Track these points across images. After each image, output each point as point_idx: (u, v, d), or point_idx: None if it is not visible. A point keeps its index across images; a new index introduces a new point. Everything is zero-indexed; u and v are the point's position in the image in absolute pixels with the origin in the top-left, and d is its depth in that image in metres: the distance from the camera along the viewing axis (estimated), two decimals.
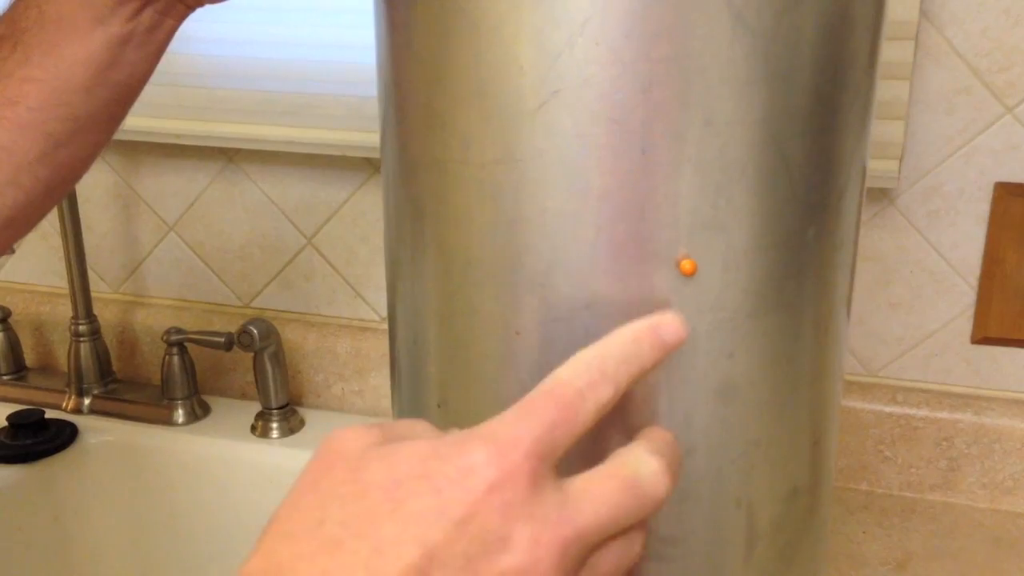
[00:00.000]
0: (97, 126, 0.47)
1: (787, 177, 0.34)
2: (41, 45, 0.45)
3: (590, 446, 0.32)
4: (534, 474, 0.29)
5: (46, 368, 1.02)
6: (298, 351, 0.93)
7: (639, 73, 0.32)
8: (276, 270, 0.95)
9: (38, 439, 0.88)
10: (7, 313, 0.97)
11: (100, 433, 0.91)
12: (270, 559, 0.29)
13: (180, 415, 0.91)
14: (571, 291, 0.34)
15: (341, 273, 0.93)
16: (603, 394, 0.31)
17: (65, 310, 0.95)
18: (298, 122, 0.87)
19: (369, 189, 0.89)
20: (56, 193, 0.49)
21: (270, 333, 0.87)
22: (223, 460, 0.88)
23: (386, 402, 0.92)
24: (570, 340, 0.34)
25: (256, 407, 0.90)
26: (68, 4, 0.44)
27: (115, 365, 0.96)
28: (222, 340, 0.87)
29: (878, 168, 0.75)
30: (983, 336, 0.79)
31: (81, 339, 0.92)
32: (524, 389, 0.31)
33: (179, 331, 0.89)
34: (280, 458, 0.87)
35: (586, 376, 0.31)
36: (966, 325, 0.79)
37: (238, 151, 0.92)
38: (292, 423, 0.90)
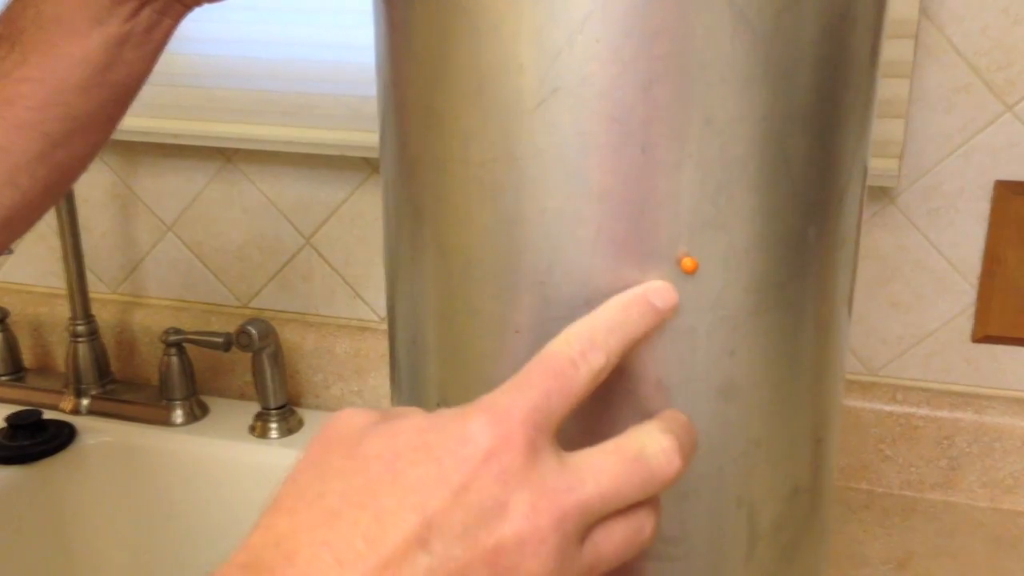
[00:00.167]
0: (95, 126, 0.47)
1: (788, 175, 0.34)
2: (39, 45, 0.45)
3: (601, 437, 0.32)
4: (531, 442, 0.30)
5: (44, 369, 1.02)
6: (297, 351, 0.93)
7: (639, 71, 0.32)
8: (274, 270, 0.95)
9: (36, 440, 0.88)
10: (5, 314, 0.97)
11: (98, 434, 0.91)
12: (270, 532, 0.29)
13: (178, 416, 0.91)
14: (571, 290, 0.34)
15: (340, 273, 0.93)
16: (595, 361, 0.31)
17: (63, 311, 0.95)
18: (296, 122, 0.86)
19: (368, 189, 0.89)
20: (54, 193, 0.49)
21: (268, 333, 0.87)
22: (222, 461, 0.88)
23: (385, 402, 0.91)
24: None
25: (255, 407, 0.90)
26: (66, 4, 0.44)
27: (113, 366, 0.96)
28: (220, 340, 0.87)
29: (878, 167, 0.75)
30: (984, 335, 0.79)
31: (79, 340, 0.92)
32: None
33: (177, 331, 0.89)
34: (279, 458, 0.87)
35: (577, 345, 0.31)
36: (966, 324, 0.79)
37: (236, 151, 0.92)
38: (291, 423, 0.90)
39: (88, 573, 0.92)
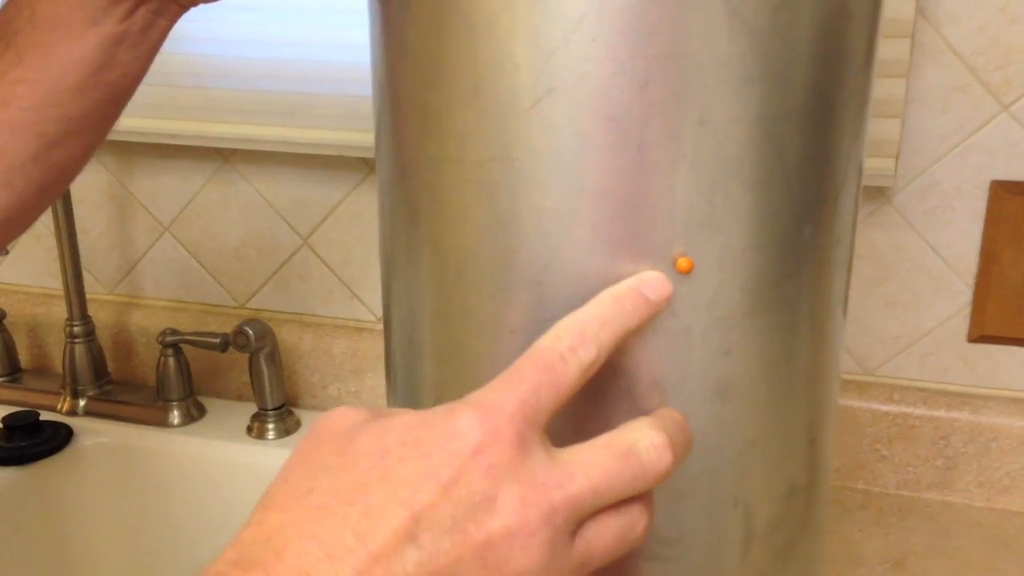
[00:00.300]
0: (90, 127, 0.47)
1: (783, 175, 0.34)
2: (34, 46, 0.44)
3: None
4: (520, 436, 0.30)
5: (41, 370, 1.02)
6: (294, 352, 0.93)
7: (635, 70, 0.32)
8: (272, 271, 0.95)
9: (33, 441, 0.88)
10: (2, 315, 0.97)
11: (95, 435, 0.91)
12: (260, 528, 0.29)
13: (175, 416, 0.91)
14: (567, 289, 0.34)
15: (337, 273, 0.93)
16: (585, 355, 0.31)
17: (60, 311, 0.95)
18: (294, 122, 0.86)
19: (365, 189, 0.89)
20: (50, 194, 0.49)
21: (266, 334, 0.86)
22: (219, 462, 0.88)
23: (382, 403, 0.91)
24: None
25: (252, 408, 0.90)
26: (61, 5, 0.44)
27: (110, 366, 0.96)
28: (218, 341, 0.87)
29: (874, 166, 0.75)
30: (980, 334, 0.79)
31: (76, 340, 0.92)
32: None
33: (174, 332, 0.89)
34: (276, 459, 0.86)
35: (567, 339, 0.31)
36: (963, 323, 0.79)
37: (233, 151, 0.91)
38: (288, 424, 0.90)
39: (85, 574, 0.92)
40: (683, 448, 0.33)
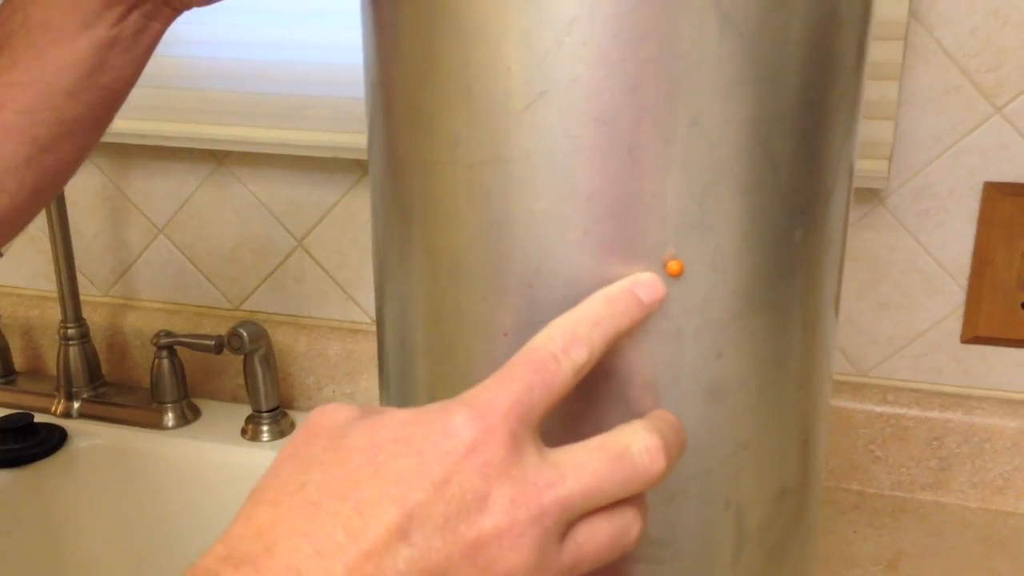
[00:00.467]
0: (83, 130, 0.47)
1: (774, 177, 0.34)
2: (27, 49, 0.44)
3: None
4: (513, 436, 0.30)
5: (35, 372, 1.02)
6: (289, 353, 0.93)
7: (626, 73, 0.32)
8: (266, 272, 0.95)
9: (27, 443, 0.87)
10: None
11: (89, 437, 0.90)
12: (250, 523, 0.29)
13: (170, 418, 0.91)
14: (559, 292, 0.34)
15: (332, 275, 0.93)
16: (578, 356, 0.32)
17: (54, 313, 0.95)
18: (288, 124, 0.86)
19: (360, 191, 0.89)
20: (43, 197, 0.49)
21: (260, 336, 0.86)
22: (213, 464, 0.88)
23: (377, 405, 0.91)
24: None
25: (246, 410, 0.90)
26: (54, 8, 0.44)
27: (104, 368, 0.96)
28: (212, 343, 0.87)
29: (867, 168, 0.75)
30: (973, 335, 0.79)
31: (70, 342, 0.92)
32: None
33: (169, 334, 0.89)
34: (271, 461, 0.86)
35: (560, 340, 0.32)
36: (956, 325, 0.80)
37: (228, 153, 0.91)
38: (283, 426, 0.90)
39: None
40: (677, 451, 0.33)
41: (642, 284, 0.33)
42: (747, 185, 0.34)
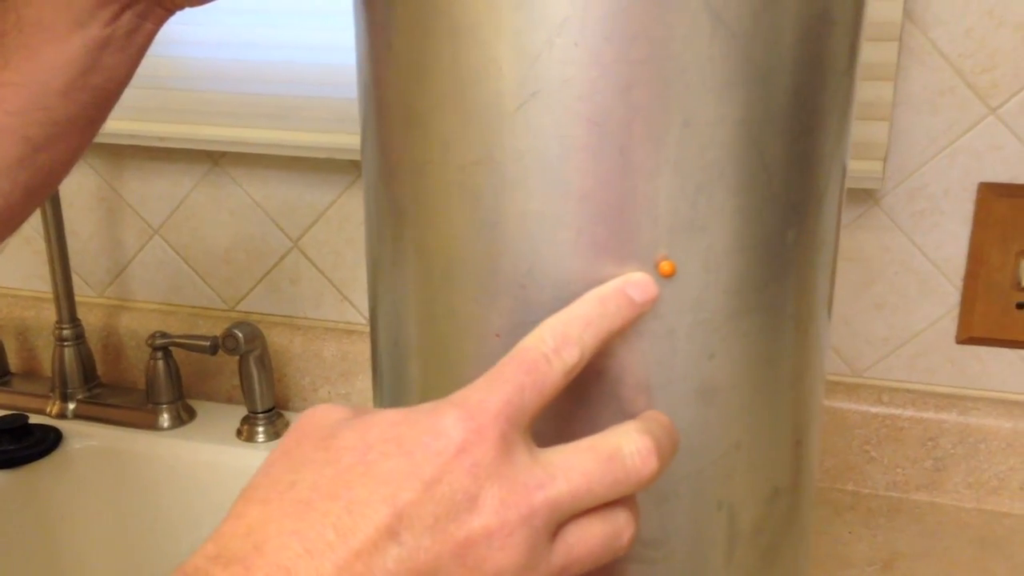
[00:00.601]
0: (76, 130, 0.47)
1: (767, 178, 0.34)
2: (20, 49, 0.44)
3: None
4: (504, 437, 0.30)
5: (30, 373, 1.02)
6: (284, 354, 0.93)
7: (618, 74, 0.32)
8: (262, 273, 0.95)
9: (22, 444, 0.87)
10: None
11: (84, 438, 0.90)
12: (240, 521, 0.29)
13: (165, 420, 0.91)
14: (551, 292, 0.34)
15: (327, 276, 0.93)
16: (569, 357, 0.31)
17: (49, 314, 0.95)
18: (284, 125, 0.86)
19: (355, 192, 0.89)
20: (36, 197, 0.49)
21: (256, 336, 0.86)
22: (209, 465, 0.88)
23: (372, 406, 0.91)
24: None
25: (242, 411, 0.90)
26: (47, 8, 0.44)
27: (100, 369, 0.96)
28: (207, 344, 0.87)
29: (862, 169, 0.75)
30: (968, 336, 0.79)
31: (65, 344, 0.92)
32: None
33: (164, 335, 0.89)
34: None
35: (551, 341, 0.32)
36: (951, 325, 0.80)
37: (223, 154, 0.91)
38: (278, 427, 0.90)
39: None
40: (669, 452, 0.33)
41: (634, 284, 0.33)
42: (739, 186, 0.34)
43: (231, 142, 0.88)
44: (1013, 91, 0.73)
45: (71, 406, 0.93)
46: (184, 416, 0.92)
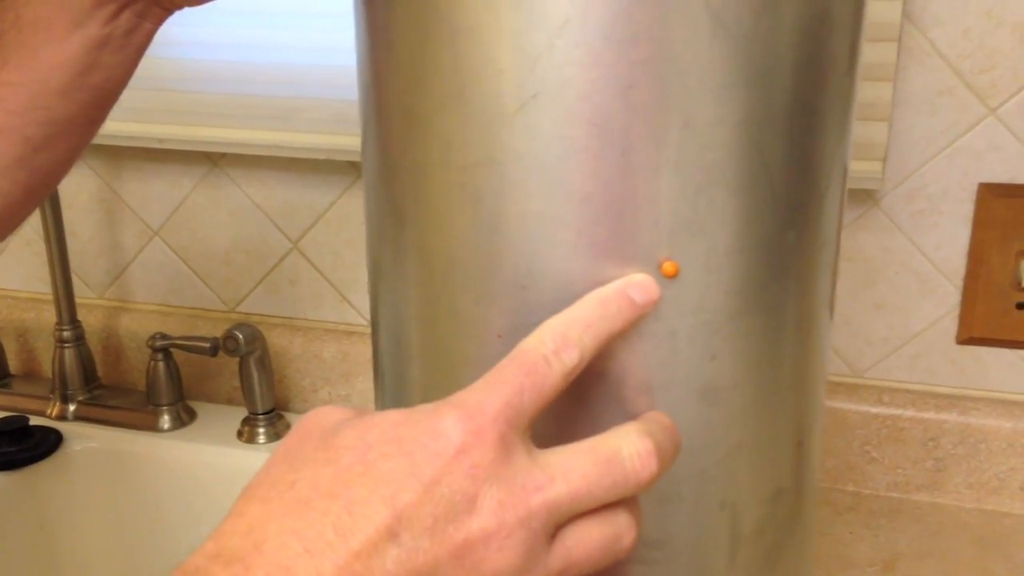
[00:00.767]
0: (75, 130, 0.47)
1: (767, 179, 0.34)
2: (18, 49, 0.44)
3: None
4: (503, 438, 0.30)
5: (30, 375, 1.01)
6: (284, 356, 0.93)
7: (619, 75, 0.32)
8: (261, 274, 0.94)
9: (22, 446, 0.87)
10: None
11: (85, 440, 0.90)
12: (241, 520, 0.29)
13: (165, 421, 0.91)
14: (553, 293, 0.34)
15: (327, 277, 0.93)
16: (569, 359, 0.32)
17: (49, 316, 0.95)
18: (283, 126, 0.86)
19: (355, 193, 0.89)
20: (35, 197, 0.49)
21: (256, 338, 0.86)
22: (209, 466, 0.88)
23: (372, 407, 0.91)
24: None
25: (242, 412, 0.90)
26: (45, 7, 0.44)
27: (100, 371, 0.96)
28: (207, 345, 0.86)
29: (862, 169, 0.75)
30: (968, 336, 0.79)
31: (65, 345, 0.92)
32: None
33: (164, 336, 0.89)
34: None
35: (551, 343, 0.32)
36: (951, 325, 0.80)
37: (223, 155, 0.91)
38: (278, 428, 0.90)
39: None
40: (670, 454, 0.33)
41: (635, 285, 0.33)
42: (740, 186, 0.34)
43: (230, 143, 0.88)
44: (1012, 91, 0.73)
45: (71, 408, 0.93)
46: (184, 417, 0.92)
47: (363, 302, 0.93)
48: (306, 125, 0.86)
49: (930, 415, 0.80)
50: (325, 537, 0.28)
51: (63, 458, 0.89)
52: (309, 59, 0.84)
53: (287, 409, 0.94)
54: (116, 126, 0.89)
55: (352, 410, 0.32)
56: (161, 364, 0.90)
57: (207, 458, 0.88)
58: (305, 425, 0.32)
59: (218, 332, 0.87)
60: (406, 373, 0.40)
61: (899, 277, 0.80)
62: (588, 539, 0.31)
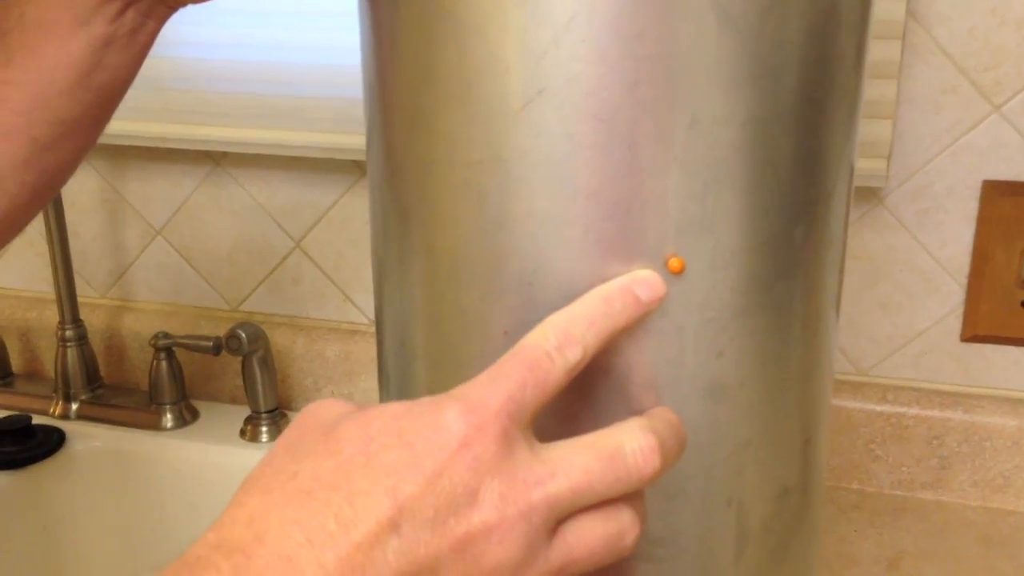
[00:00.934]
0: (81, 129, 0.47)
1: (774, 176, 0.34)
2: (23, 48, 0.44)
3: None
4: (505, 433, 0.30)
5: (33, 374, 1.01)
6: (287, 355, 0.93)
7: (625, 71, 0.32)
8: (264, 274, 0.94)
9: (25, 446, 0.87)
10: None
11: (88, 439, 0.90)
12: (242, 510, 0.29)
13: (168, 420, 0.91)
14: (558, 291, 0.34)
15: (330, 276, 0.93)
16: (572, 356, 0.31)
17: (52, 316, 0.95)
18: (286, 125, 0.86)
19: (357, 192, 0.89)
20: (42, 197, 0.48)
21: (259, 337, 0.86)
22: (212, 465, 0.88)
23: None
24: None
25: (245, 411, 0.90)
26: (50, 6, 0.44)
27: (102, 370, 0.96)
28: (210, 344, 0.86)
29: (866, 167, 0.75)
30: (972, 334, 0.79)
31: (68, 344, 0.92)
32: None
33: (167, 336, 0.89)
34: None
35: (554, 339, 0.32)
36: (956, 323, 0.79)
37: (225, 154, 0.91)
38: (281, 427, 0.90)
39: None
40: (675, 451, 0.33)
41: (641, 282, 0.33)
42: (747, 184, 0.34)
43: (233, 143, 0.87)
44: (1016, 89, 0.73)
45: (74, 407, 0.93)
46: (187, 417, 0.92)
47: (366, 301, 0.93)
48: (309, 124, 0.86)
49: (935, 413, 0.80)
50: (327, 528, 0.28)
51: (66, 457, 0.89)
52: (311, 58, 0.84)
53: (290, 408, 0.94)
54: (118, 125, 0.88)
55: (353, 403, 0.32)
56: (164, 363, 0.90)
57: (210, 457, 0.88)
58: (306, 418, 0.32)
59: (221, 331, 0.87)
60: (411, 371, 0.40)
61: (903, 275, 0.79)
62: (590, 535, 0.31)
